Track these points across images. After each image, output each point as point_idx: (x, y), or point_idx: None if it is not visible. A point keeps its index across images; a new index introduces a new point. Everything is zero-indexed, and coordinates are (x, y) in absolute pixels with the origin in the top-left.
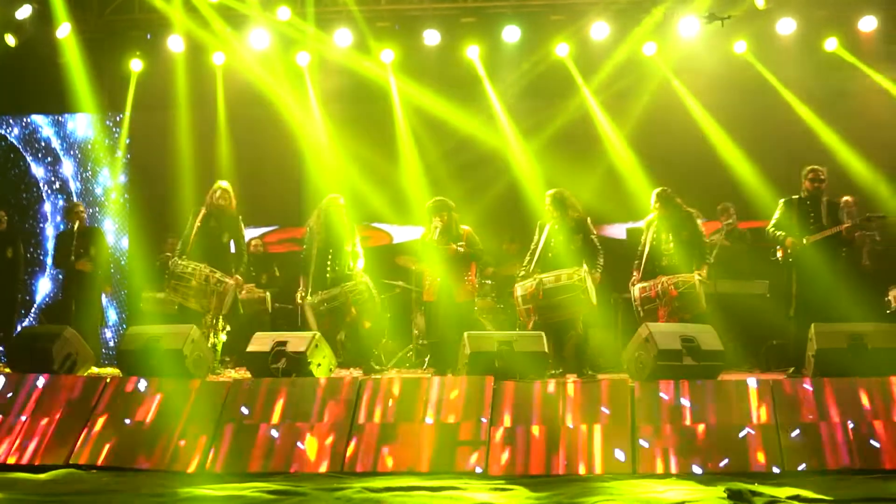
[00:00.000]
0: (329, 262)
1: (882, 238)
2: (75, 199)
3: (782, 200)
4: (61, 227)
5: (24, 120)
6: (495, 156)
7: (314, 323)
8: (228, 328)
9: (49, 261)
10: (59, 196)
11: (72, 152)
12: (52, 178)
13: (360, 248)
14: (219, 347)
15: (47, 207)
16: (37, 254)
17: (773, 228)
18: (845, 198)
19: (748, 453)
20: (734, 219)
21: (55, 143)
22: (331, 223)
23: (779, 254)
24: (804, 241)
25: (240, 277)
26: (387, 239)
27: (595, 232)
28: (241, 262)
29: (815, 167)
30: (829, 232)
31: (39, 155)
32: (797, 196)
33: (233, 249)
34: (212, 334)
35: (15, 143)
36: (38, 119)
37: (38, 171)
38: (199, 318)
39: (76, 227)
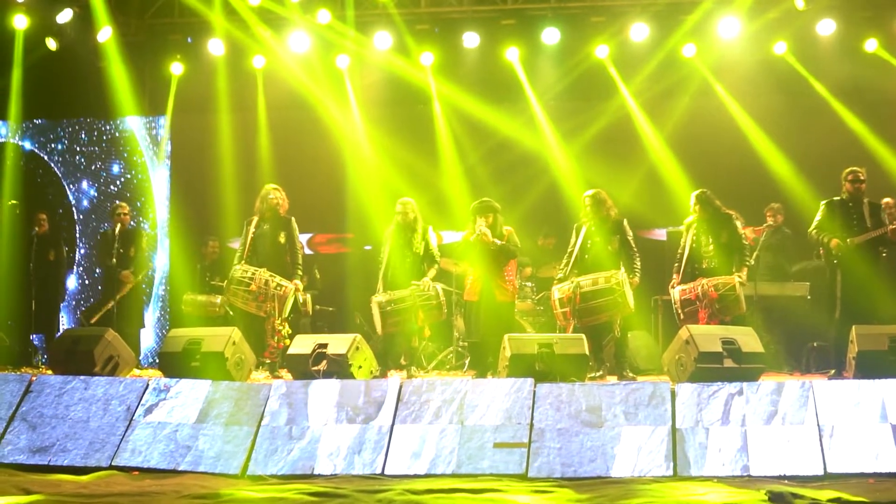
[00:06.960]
0: (396, 264)
1: None
2: (118, 201)
3: (824, 202)
4: (105, 227)
5: (68, 122)
6: (535, 158)
7: (379, 322)
8: (290, 331)
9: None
10: (102, 197)
11: (113, 155)
12: (95, 180)
13: (434, 249)
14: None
15: (87, 208)
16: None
17: (815, 230)
18: (885, 199)
19: (789, 456)
20: (776, 219)
21: (97, 146)
22: (396, 226)
23: (822, 255)
24: (848, 242)
25: (299, 283)
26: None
27: (632, 234)
28: (297, 263)
29: (855, 168)
30: (875, 234)
31: (82, 157)
32: (838, 198)
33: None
34: (278, 338)
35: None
36: (82, 122)
37: (80, 173)
38: (251, 321)
39: (118, 228)
